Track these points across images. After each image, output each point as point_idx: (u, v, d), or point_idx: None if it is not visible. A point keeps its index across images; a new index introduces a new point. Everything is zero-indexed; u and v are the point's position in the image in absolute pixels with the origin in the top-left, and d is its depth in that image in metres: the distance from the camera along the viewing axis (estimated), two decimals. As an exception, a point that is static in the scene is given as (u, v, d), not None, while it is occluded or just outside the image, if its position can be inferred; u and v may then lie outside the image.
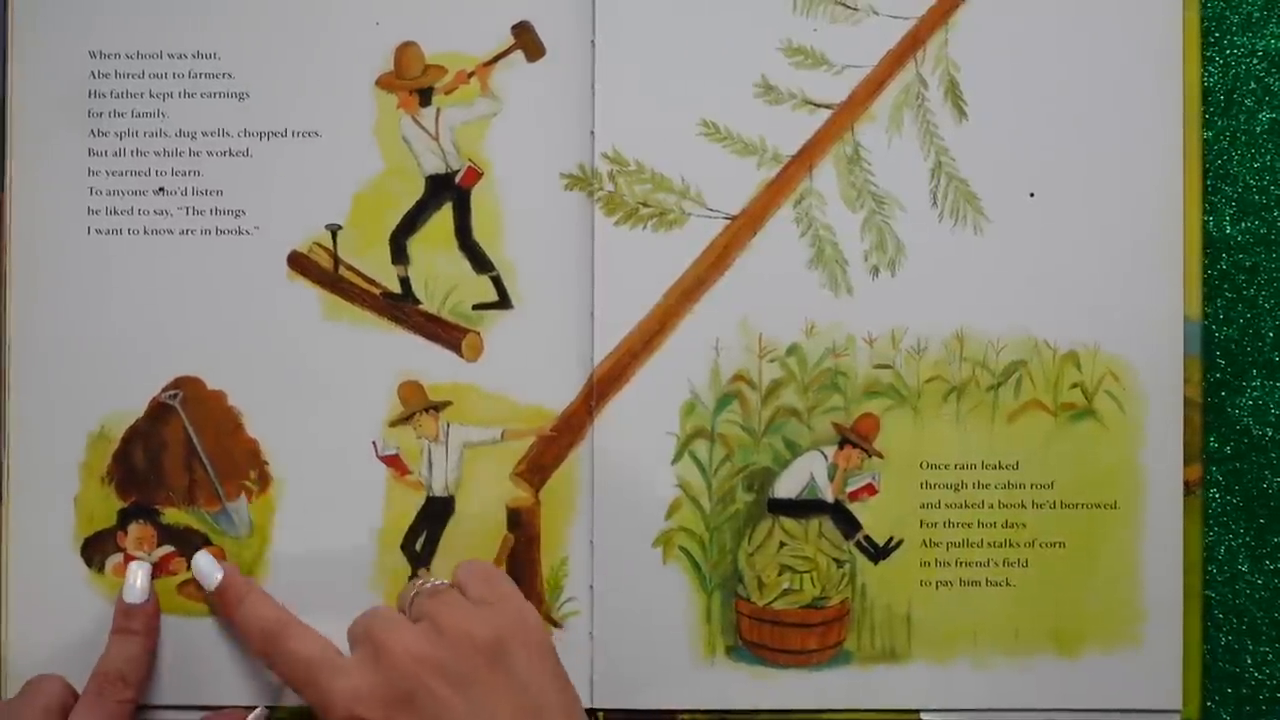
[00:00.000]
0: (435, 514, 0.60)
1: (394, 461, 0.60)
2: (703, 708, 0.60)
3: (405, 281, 0.60)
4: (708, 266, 0.60)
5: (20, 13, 0.60)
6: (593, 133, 0.60)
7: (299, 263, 0.60)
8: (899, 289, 0.60)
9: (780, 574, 0.60)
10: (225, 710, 0.59)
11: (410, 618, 0.54)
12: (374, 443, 0.60)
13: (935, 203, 0.60)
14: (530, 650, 0.52)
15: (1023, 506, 0.60)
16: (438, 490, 0.60)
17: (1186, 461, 0.60)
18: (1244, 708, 0.62)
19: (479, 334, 0.60)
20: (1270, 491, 0.62)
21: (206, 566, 0.58)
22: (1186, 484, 0.60)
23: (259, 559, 0.60)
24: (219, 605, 0.59)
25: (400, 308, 0.60)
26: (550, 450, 0.60)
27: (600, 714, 0.60)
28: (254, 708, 0.59)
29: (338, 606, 0.59)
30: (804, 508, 0.60)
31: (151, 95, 0.60)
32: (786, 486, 0.60)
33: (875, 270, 0.60)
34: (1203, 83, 0.61)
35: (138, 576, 0.59)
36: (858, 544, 0.60)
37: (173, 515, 0.60)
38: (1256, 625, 0.62)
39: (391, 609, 0.55)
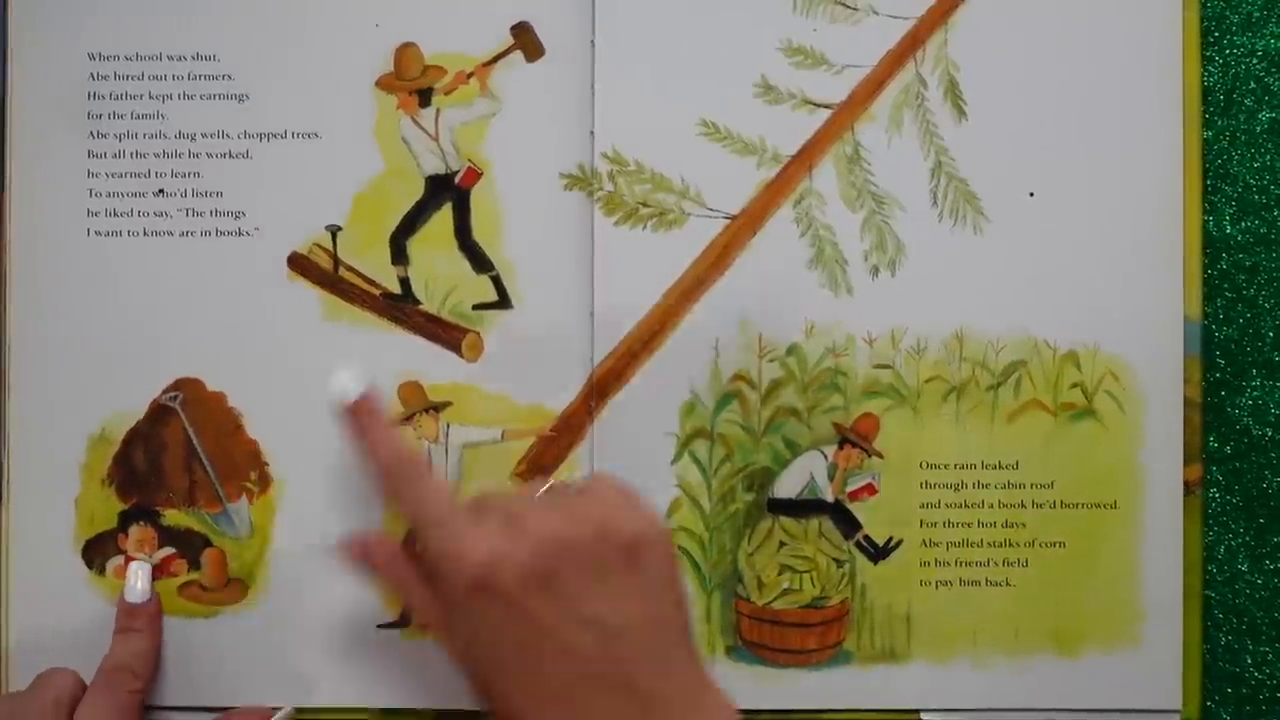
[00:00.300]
0: (435, 514, 0.60)
1: (394, 462, 0.60)
2: (703, 707, 0.60)
3: (405, 282, 0.60)
4: (707, 266, 0.60)
5: (19, 14, 0.60)
6: (592, 133, 0.60)
7: (299, 264, 0.60)
8: (899, 289, 0.60)
9: (780, 574, 0.60)
10: (245, 709, 0.60)
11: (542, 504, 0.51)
12: (374, 443, 0.60)
13: (935, 202, 0.60)
14: (664, 561, 0.50)
15: (1022, 506, 0.60)
16: (438, 491, 0.60)
17: (1186, 461, 0.60)
18: (1244, 708, 0.62)
19: (479, 334, 0.60)
20: (1270, 491, 0.62)
21: (348, 376, 0.53)
22: (1186, 484, 0.60)
23: (260, 560, 0.60)
24: (351, 423, 0.53)
25: (400, 308, 0.60)
26: (550, 451, 0.60)
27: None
28: (279, 707, 0.59)
29: (338, 608, 0.60)
30: (804, 507, 0.60)
31: (151, 97, 0.60)
32: (786, 486, 0.60)
33: (875, 270, 0.60)
34: (1203, 82, 0.61)
35: (138, 577, 0.59)
36: (857, 544, 0.60)
37: (173, 517, 0.60)
38: (1256, 625, 0.62)
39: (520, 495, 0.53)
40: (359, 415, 0.53)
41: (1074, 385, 0.60)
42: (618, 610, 0.49)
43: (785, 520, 0.60)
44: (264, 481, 0.60)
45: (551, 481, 0.55)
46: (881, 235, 0.60)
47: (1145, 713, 0.60)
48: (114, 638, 0.58)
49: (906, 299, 0.60)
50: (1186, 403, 0.60)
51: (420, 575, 0.53)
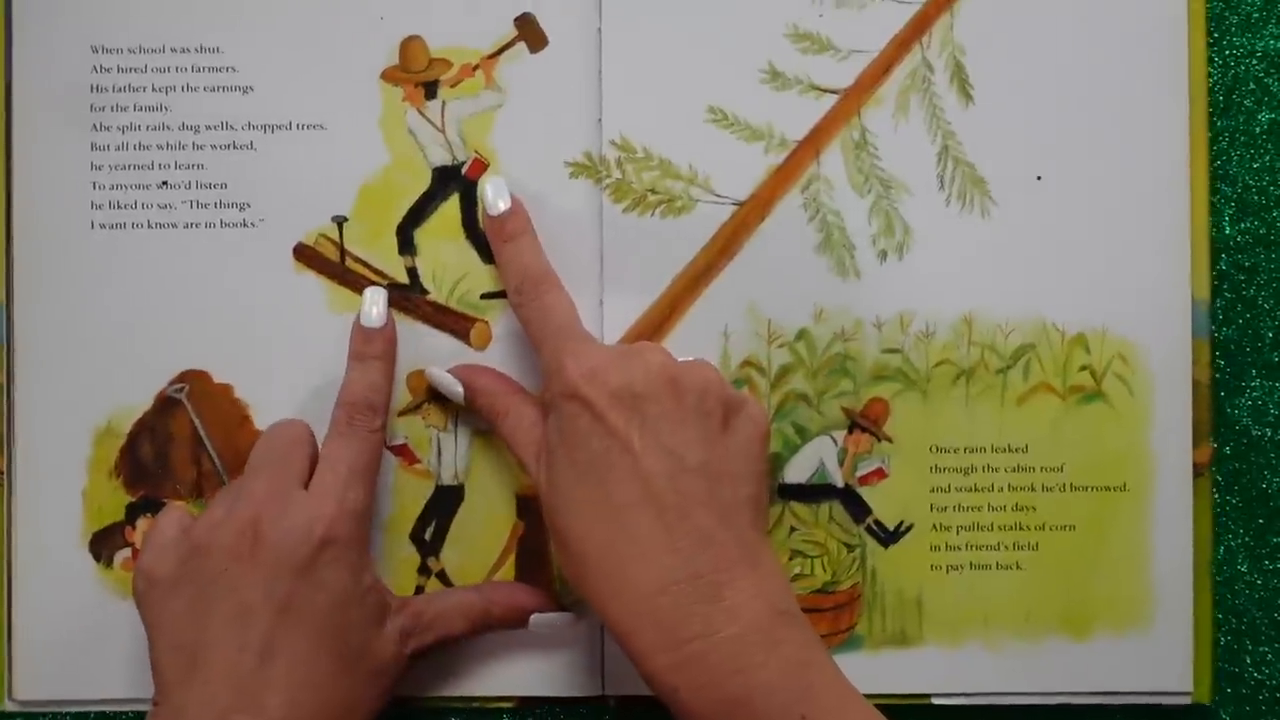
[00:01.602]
0: (444, 503, 0.60)
1: (402, 451, 0.60)
2: (715, 695, 0.60)
3: (413, 271, 0.60)
4: (716, 253, 0.60)
5: (22, 6, 0.60)
6: (600, 120, 0.60)
7: (305, 255, 0.60)
8: (907, 273, 0.60)
9: (791, 559, 0.60)
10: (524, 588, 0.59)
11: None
12: (382, 433, 0.60)
13: (943, 186, 0.60)
14: (756, 435, 0.52)
15: (1032, 490, 0.60)
16: (447, 479, 0.60)
17: (1195, 443, 0.60)
18: (1244, 708, 0.62)
19: (487, 323, 0.60)
20: (1270, 491, 0.62)
21: (493, 192, 0.58)
22: (1196, 466, 0.60)
23: (267, 552, 0.60)
24: (493, 233, 0.58)
25: (408, 298, 0.60)
26: (559, 439, 0.60)
27: (611, 701, 0.60)
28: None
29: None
30: (814, 492, 0.60)
31: (155, 89, 0.60)
32: (796, 471, 0.60)
33: (883, 255, 0.60)
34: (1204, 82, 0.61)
35: (374, 302, 0.58)
36: (868, 528, 0.60)
37: (181, 509, 0.60)
38: (1256, 625, 0.62)
39: None
40: (499, 226, 0.57)
41: (1083, 368, 0.60)
42: (696, 452, 0.50)
43: (796, 505, 0.60)
44: (272, 473, 0.60)
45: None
46: (889, 220, 0.60)
47: (1156, 694, 0.60)
48: (350, 364, 0.57)
49: (915, 283, 0.60)
50: (1195, 385, 0.60)
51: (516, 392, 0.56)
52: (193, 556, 0.52)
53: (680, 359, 0.53)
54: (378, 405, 0.56)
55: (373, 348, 0.57)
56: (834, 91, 0.60)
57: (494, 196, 0.58)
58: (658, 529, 0.49)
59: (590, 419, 0.50)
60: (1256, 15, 0.62)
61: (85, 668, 0.59)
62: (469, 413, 0.59)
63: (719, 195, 0.60)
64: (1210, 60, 0.62)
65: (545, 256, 0.57)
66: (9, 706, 0.59)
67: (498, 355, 0.60)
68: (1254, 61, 0.62)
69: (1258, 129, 0.62)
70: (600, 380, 0.50)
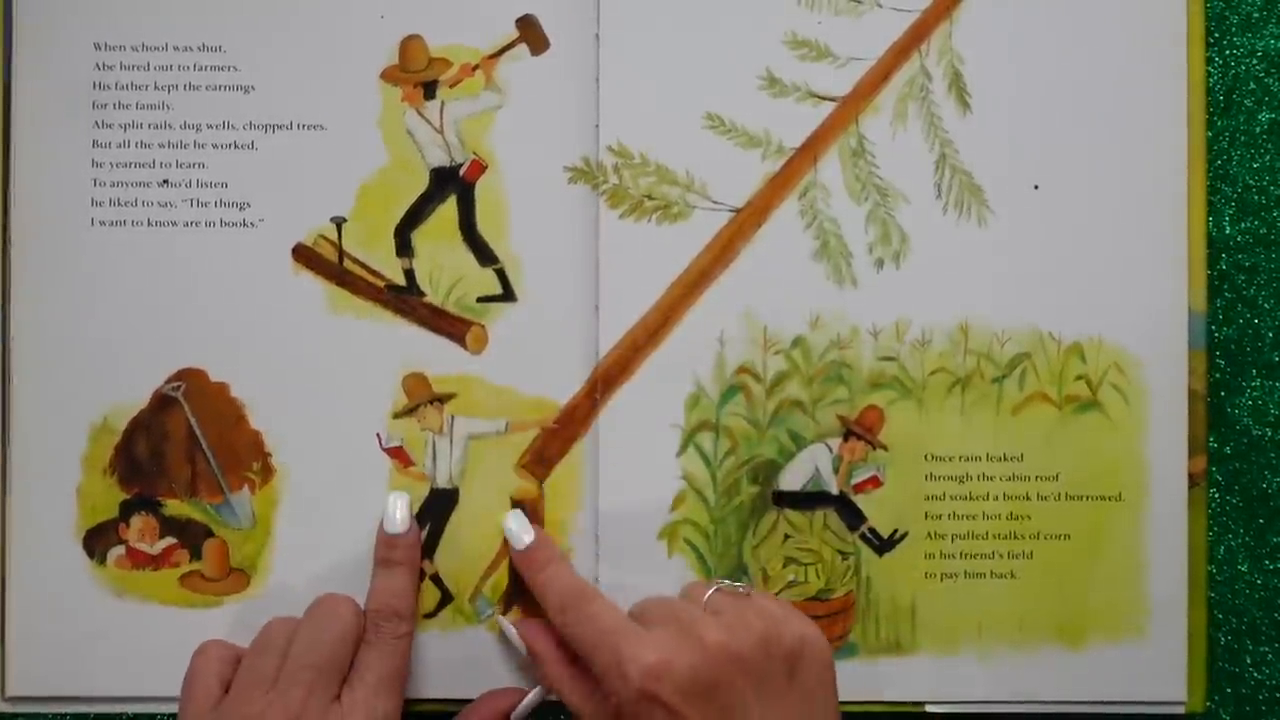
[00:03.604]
0: (439, 506, 0.60)
1: (398, 454, 0.60)
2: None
3: (410, 274, 0.60)
4: (712, 259, 0.60)
5: (25, 4, 0.60)
6: (597, 126, 0.60)
7: (303, 255, 0.60)
8: (903, 281, 0.60)
9: (785, 566, 0.60)
10: (499, 691, 0.59)
11: (707, 612, 0.53)
12: (378, 435, 0.60)
13: (939, 195, 0.60)
14: (821, 669, 0.52)
15: (1027, 499, 0.60)
16: (442, 482, 0.60)
17: (1191, 453, 0.60)
18: (1244, 708, 0.62)
19: (483, 326, 0.60)
20: (1270, 491, 0.62)
21: (517, 527, 0.58)
22: (1190, 476, 0.60)
23: (261, 551, 0.60)
24: (524, 566, 0.58)
25: (405, 300, 0.60)
26: (554, 443, 0.60)
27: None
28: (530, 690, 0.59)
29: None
30: (809, 500, 0.60)
31: (156, 88, 0.60)
32: (791, 479, 0.60)
33: (880, 262, 0.60)
34: (1204, 82, 0.61)
35: (397, 506, 0.58)
36: (862, 536, 0.60)
37: (175, 507, 0.60)
38: (1256, 625, 0.62)
39: (686, 601, 0.55)
40: (528, 559, 0.58)
41: (1078, 377, 0.60)
42: None
43: (790, 513, 0.60)
44: (266, 472, 0.60)
45: (717, 584, 0.55)
46: (886, 228, 0.60)
47: (1150, 704, 0.60)
48: (375, 571, 0.58)
49: (911, 291, 0.60)
50: (1191, 395, 0.60)
51: (584, 681, 0.55)
52: None
53: (718, 587, 0.54)
54: (403, 611, 0.57)
55: (396, 554, 0.58)
56: (832, 99, 0.60)
57: (519, 531, 0.58)
58: None
59: (665, 716, 0.50)
60: (1256, 15, 0.62)
61: (78, 664, 0.59)
62: (464, 416, 0.60)
63: (716, 202, 0.60)
64: (1210, 60, 0.62)
65: (576, 572, 0.58)
66: (1, 707, 0.59)
67: (493, 359, 0.60)
68: (1254, 61, 0.62)
69: (1258, 129, 0.62)
70: (667, 677, 0.50)
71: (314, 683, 0.53)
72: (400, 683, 0.56)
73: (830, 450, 0.60)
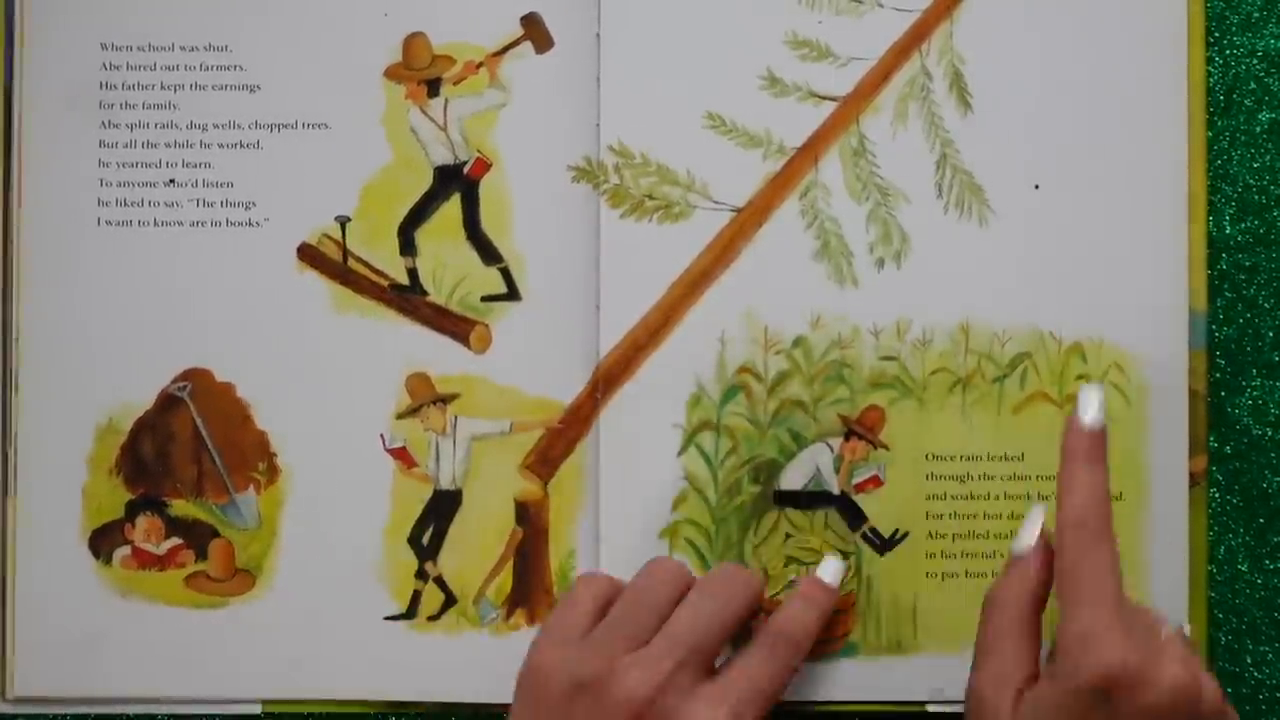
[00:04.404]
0: (443, 507, 0.60)
1: (401, 455, 0.60)
2: (708, 699, 0.60)
3: (413, 273, 0.60)
4: (713, 259, 0.60)
5: (31, 4, 0.60)
6: (598, 125, 0.60)
7: (308, 254, 0.61)
8: (904, 281, 0.60)
9: (786, 565, 0.60)
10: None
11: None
12: (381, 435, 0.60)
13: (940, 194, 0.60)
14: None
15: (1028, 498, 0.60)
16: (445, 483, 0.60)
17: (1191, 453, 0.60)
18: (1244, 708, 0.62)
19: (487, 326, 0.60)
20: (1270, 491, 0.62)
21: (1093, 402, 0.52)
22: (1191, 475, 0.60)
23: (267, 551, 0.60)
24: (1072, 443, 0.52)
25: (408, 299, 0.60)
26: (558, 443, 0.60)
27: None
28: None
29: (346, 599, 0.60)
30: (810, 499, 0.60)
31: (163, 87, 0.61)
32: (792, 478, 0.60)
33: (880, 262, 0.60)
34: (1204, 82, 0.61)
35: (828, 571, 0.57)
36: (863, 536, 0.60)
37: (181, 507, 0.60)
38: (1256, 625, 0.62)
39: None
40: (1081, 442, 0.52)
41: (1079, 377, 0.60)
42: None
43: (791, 512, 0.60)
44: (272, 472, 0.60)
45: (1179, 627, 0.53)
46: (887, 227, 0.60)
47: (1151, 705, 0.59)
48: (796, 597, 0.56)
49: (912, 291, 0.60)
50: (1191, 395, 0.60)
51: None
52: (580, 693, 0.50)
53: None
54: (803, 645, 0.54)
55: (819, 595, 0.56)
56: (832, 99, 0.60)
57: (1096, 411, 0.52)
58: None
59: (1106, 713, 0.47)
60: (1256, 15, 0.62)
61: (83, 665, 0.59)
62: (467, 417, 0.60)
63: (717, 201, 0.60)
64: (1210, 60, 0.62)
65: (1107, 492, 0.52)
66: (5, 708, 0.60)
67: (497, 359, 0.60)
68: (1254, 61, 0.62)
69: (1258, 129, 0.62)
70: (1134, 678, 0.47)
71: (686, 663, 0.51)
72: (767, 709, 0.53)
73: (831, 450, 0.60)
